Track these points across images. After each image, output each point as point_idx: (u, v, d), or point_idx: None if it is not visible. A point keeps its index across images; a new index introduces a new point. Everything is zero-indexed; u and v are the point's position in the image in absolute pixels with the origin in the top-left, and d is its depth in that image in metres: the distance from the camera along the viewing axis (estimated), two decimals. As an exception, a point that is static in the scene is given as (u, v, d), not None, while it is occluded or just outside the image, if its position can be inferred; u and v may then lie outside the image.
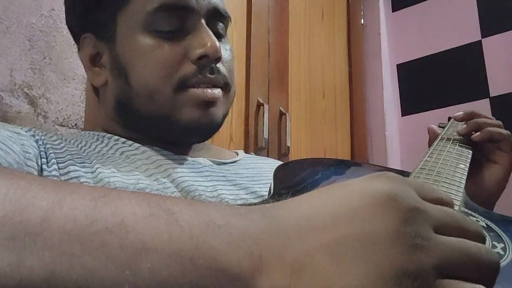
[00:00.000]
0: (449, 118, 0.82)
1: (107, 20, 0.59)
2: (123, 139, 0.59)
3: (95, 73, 0.61)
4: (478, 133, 0.70)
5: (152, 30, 0.56)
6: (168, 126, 0.57)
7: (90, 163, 0.52)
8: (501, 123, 0.71)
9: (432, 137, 0.75)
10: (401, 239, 0.24)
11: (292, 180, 0.47)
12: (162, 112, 0.56)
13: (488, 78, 1.71)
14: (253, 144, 1.25)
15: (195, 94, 0.55)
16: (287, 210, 0.27)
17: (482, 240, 0.27)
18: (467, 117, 0.74)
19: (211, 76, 0.56)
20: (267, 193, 0.52)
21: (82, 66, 0.63)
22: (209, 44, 0.55)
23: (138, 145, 0.58)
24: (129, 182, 0.51)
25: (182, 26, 0.56)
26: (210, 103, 0.56)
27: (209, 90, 0.56)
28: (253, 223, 0.26)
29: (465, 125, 0.73)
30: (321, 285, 0.23)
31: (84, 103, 0.87)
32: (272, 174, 0.49)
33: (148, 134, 0.59)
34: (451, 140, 0.69)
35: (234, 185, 0.58)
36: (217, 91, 0.57)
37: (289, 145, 1.35)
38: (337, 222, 0.25)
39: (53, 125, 0.81)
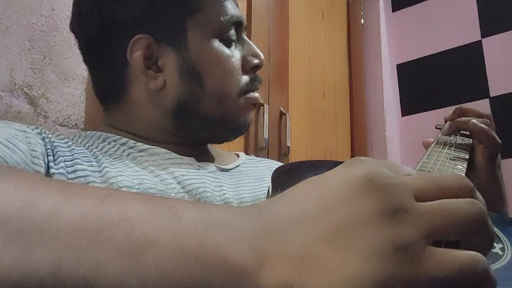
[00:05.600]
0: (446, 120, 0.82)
1: (175, 25, 0.59)
2: (132, 142, 0.59)
3: (151, 76, 0.59)
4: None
5: (222, 39, 0.61)
6: (223, 127, 0.62)
7: (97, 163, 0.53)
8: (490, 115, 0.71)
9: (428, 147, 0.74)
10: (385, 217, 0.25)
11: (294, 183, 0.46)
12: (226, 114, 0.61)
13: (488, 78, 1.71)
14: (253, 144, 1.25)
15: (252, 98, 0.63)
16: (281, 206, 0.28)
17: (466, 192, 0.27)
18: (455, 116, 0.74)
19: (259, 83, 0.65)
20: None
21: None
22: (262, 56, 0.64)
23: (147, 146, 0.58)
24: (135, 182, 0.51)
25: (236, 38, 0.63)
26: (254, 106, 0.65)
27: (257, 94, 0.64)
28: (252, 221, 0.26)
29: (449, 125, 0.73)
30: (324, 275, 0.24)
31: (84, 103, 0.87)
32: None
33: (196, 134, 0.62)
34: (449, 142, 0.69)
35: (238, 190, 0.60)
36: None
37: (289, 145, 1.35)
38: (326, 212, 0.26)
39: (53, 125, 0.82)
